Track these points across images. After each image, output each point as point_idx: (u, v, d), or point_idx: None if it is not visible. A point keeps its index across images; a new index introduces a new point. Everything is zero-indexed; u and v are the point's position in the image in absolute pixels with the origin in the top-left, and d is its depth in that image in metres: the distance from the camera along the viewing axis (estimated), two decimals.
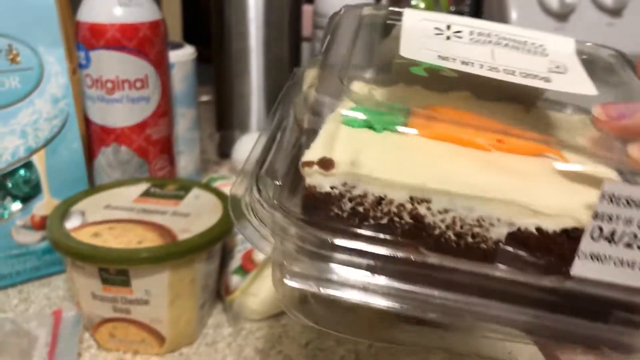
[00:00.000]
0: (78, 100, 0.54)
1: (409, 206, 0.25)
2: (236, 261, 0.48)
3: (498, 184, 0.25)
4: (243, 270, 0.47)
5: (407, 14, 0.34)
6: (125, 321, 0.42)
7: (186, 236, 0.42)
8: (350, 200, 0.25)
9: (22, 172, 0.49)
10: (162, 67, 0.56)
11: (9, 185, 0.49)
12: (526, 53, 0.32)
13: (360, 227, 0.25)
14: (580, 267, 0.24)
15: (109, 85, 0.53)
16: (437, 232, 0.25)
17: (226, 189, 0.53)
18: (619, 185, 0.23)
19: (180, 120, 0.64)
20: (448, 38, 0.32)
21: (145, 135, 0.56)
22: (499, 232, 0.25)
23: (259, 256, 0.47)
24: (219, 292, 0.49)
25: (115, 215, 0.45)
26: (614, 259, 0.23)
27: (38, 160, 0.50)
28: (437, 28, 0.33)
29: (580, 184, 0.26)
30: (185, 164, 0.67)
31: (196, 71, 0.66)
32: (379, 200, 0.25)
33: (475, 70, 0.29)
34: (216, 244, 0.44)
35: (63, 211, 0.45)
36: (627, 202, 0.23)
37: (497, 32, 0.33)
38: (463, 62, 0.29)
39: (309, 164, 0.25)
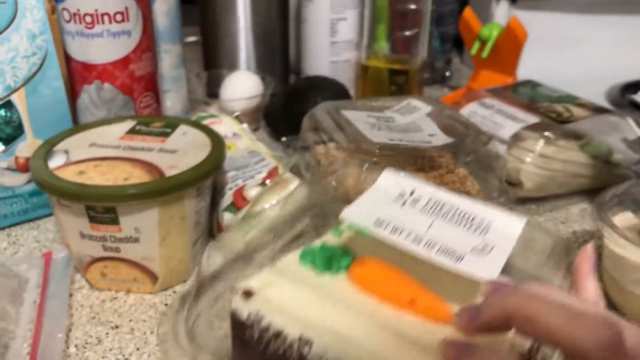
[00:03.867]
0: (58, 40, 0.52)
1: (296, 345, 0.27)
2: (227, 199, 0.47)
3: (377, 347, 0.26)
4: (235, 207, 0.46)
5: (385, 175, 0.35)
6: (115, 260, 0.42)
7: (174, 172, 0.41)
8: (258, 330, 0.28)
9: (2, 112, 0.48)
10: (143, 0, 0.53)
11: None
12: (464, 230, 0.31)
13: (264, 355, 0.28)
14: None
15: (88, 19, 0.51)
16: None
17: (215, 127, 0.52)
18: None
19: (164, 57, 0.62)
20: (403, 204, 0.33)
21: (128, 71, 0.54)
22: None
23: (251, 193, 0.47)
24: (212, 231, 0.48)
25: (100, 153, 0.43)
26: None
27: (18, 100, 0.48)
28: (400, 194, 0.34)
29: None
30: (172, 103, 0.65)
31: (180, 6, 0.63)
32: (278, 334, 0.28)
33: (398, 240, 0.30)
34: (205, 180, 0.42)
35: (46, 150, 0.43)
36: None
37: (453, 205, 0.33)
38: (392, 231, 0.30)
39: (236, 290, 0.29)
